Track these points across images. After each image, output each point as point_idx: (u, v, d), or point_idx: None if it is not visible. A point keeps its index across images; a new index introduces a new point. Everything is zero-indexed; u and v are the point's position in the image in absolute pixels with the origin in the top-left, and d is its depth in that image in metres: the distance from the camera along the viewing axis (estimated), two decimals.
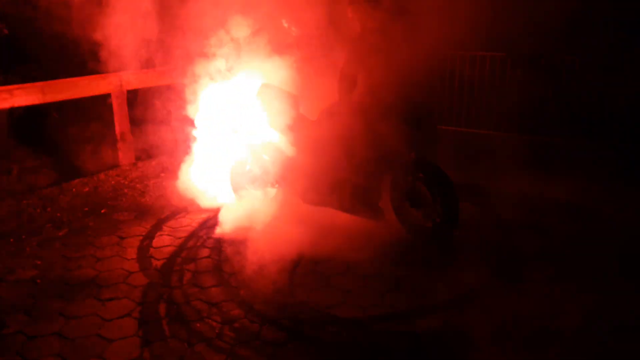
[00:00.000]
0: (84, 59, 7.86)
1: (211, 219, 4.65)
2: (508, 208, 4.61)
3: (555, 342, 2.89)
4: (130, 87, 6.22)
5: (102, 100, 6.48)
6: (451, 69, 6.54)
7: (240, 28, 4.78)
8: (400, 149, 4.10)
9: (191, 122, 5.41)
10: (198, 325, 3.15)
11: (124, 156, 6.16)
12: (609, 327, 3.00)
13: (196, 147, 5.38)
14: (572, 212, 4.63)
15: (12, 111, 6.80)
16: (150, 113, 6.13)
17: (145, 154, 6.49)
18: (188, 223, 4.59)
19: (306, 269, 3.76)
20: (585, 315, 3.09)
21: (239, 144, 4.82)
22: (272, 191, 4.77)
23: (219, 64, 5.14)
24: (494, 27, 5.22)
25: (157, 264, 3.91)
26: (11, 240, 4.30)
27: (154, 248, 4.16)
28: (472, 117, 6.57)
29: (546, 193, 5.01)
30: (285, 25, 5.06)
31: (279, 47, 4.84)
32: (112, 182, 5.64)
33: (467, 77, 6.45)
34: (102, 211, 4.89)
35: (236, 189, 4.83)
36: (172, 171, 5.63)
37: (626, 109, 5.72)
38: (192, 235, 4.38)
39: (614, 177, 5.16)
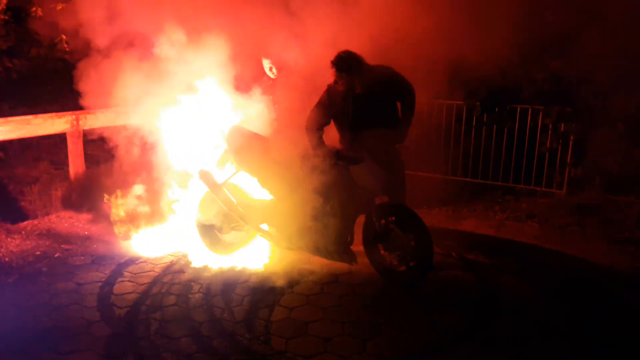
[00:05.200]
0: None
1: (174, 264, 4.45)
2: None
3: None
4: (87, 127, 5.98)
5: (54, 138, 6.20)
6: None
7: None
8: (372, 192, 4.12)
9: (152, 164, 5.24)
10: None
11: (78, 197, 5.85)
12: None
13: (155, 189, 5.19)
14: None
15: None
16: (108, 152, 5.88)
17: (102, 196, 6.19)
18: (150, 268, 4.36)
19: (282, 316, 3.62)
20: None
21: (204, 185, 4.69)
22: (241, 235, 4.64)
23: (184, 104, 5.07)
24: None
25: (121, 312, 3.66)
26: None
27: (115, 295, 3.91)
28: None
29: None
30: (267, 67, 5.08)
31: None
32: (66, 224, 5.33)
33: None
34: (56, 255, 4.58)
35: (203, 232, 4.65)
36: (130, 214, 5.37)
37: None
38: (156, 281, 4.14)
39: None
